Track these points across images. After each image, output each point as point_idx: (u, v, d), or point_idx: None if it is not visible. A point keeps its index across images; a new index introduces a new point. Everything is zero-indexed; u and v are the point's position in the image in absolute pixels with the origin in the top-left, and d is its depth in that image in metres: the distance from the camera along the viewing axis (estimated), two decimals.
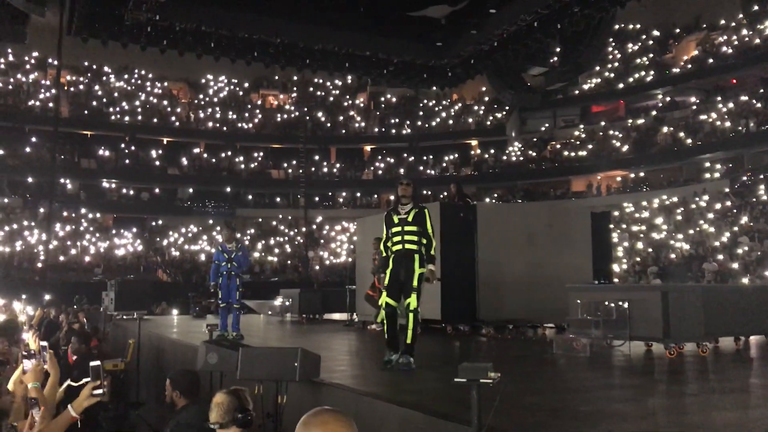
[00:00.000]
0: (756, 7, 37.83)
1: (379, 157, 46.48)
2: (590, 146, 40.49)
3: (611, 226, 16.76)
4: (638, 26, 42.91)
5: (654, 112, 39.77)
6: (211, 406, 3.73)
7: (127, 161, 41.91)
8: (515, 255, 12.24)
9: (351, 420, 2.05)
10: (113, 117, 42.90)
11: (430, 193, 42.57)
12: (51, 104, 37.50)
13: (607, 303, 8.94)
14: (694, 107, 38.19)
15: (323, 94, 50.27)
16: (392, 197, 44.66)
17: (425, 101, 48.49)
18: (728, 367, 8.32)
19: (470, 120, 46.49)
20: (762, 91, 35.14)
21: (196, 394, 5.56)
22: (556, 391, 5.99)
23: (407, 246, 7.14)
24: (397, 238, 7.22)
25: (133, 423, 9.74)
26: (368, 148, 47.67)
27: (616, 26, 39.56)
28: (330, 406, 2.13)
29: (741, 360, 8.89)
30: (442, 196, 15.60)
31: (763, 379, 7.29)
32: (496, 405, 3.65)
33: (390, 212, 7.41)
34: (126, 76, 46.08)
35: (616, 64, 42.52)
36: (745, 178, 31.97)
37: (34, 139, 39.66)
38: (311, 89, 49.94)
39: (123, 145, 42.60)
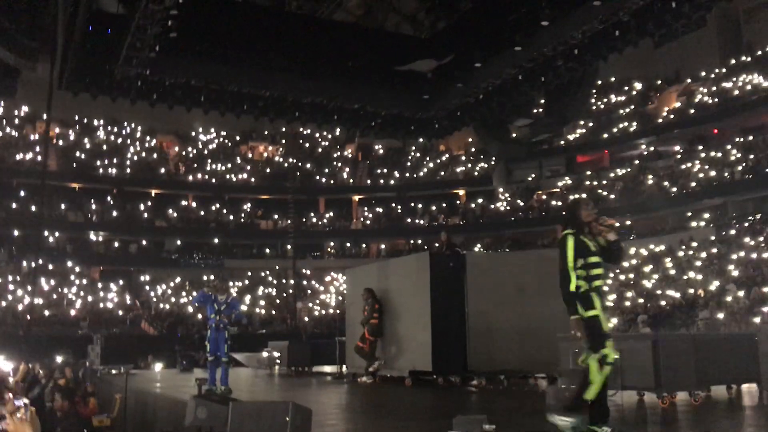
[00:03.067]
0: (733, 61, 38.91)
1: (367, 208, 46.68)
2: (576, 195, 40.89)
3: None
4: (620, 78, 43.92)
5: (637, 162, 40.39)
6: None
7: (114, 214, 41.80)
8: (505, 304, 12.22)
9: None
10: (101, 170, 42.97)
11: (420, 242, 42.70)
12: (39, 158, 37.55)
13: None
14: (678, 156, 38.85)
15: (312, 145, 50.73)
16: (382, 246, 44.68)
17: (413, 152, 49.01)
18: (722, 416, 8.27)
19: (457, 170, 46.95)
20: (742, 140, 35.84)
21: None
22: None
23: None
24: (600, 271, 6.02)
25: None
26: (357, 198, 47.91)
27: (599, 80, 40.55)
28: None
29: (734, 409, 8.84)
30: (437, 245, 15.66)
31: (757, 428, 7.25)
32: None
33: (579, 236, 6.10)
34: (115, 129, 46.35)
35: (600, 115, 43.34)
36: (732, 230, 32.24)
37: (22, 193, 39.55)
38: (300, 141, 50.41)
39: (110, 198, 42.55)
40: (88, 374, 14.98)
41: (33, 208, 37.43)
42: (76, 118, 44.84)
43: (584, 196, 29.77)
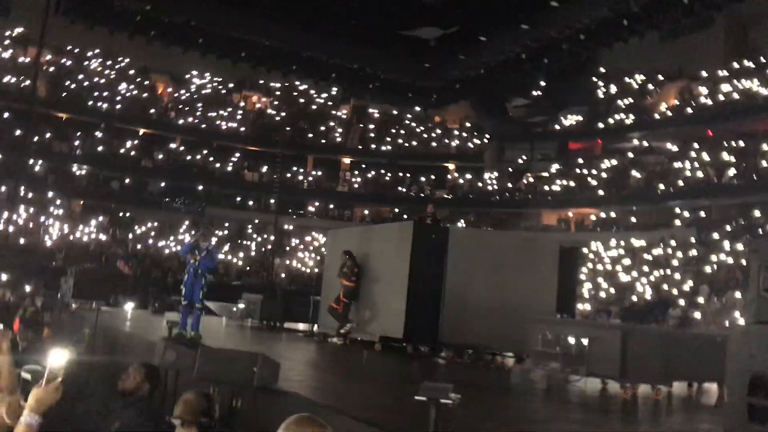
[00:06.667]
0: (736, 65, 38.80)
1: (356, 171, 46.44)
2: (564, 182, 40.98)
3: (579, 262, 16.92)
4: (621, 69, 43.69)
5: (630, 155, 40.45)
6: (178, 402, 3.68)
7: (100, 148, 41.29)
8: (482, 281, 12.28)
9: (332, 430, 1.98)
10: (91, 102, 42.29)
11: (405, 211, 42.65)
12: (28, 82, 36.82)
13: (567, 337, 9.00)
14: (670, 154, 38.92)
15: (306, 101, 50.20)
16: (366, 212, 44.69)
17: (408, 121, 48.66)
18: (680, 411, 8.42)
19: (451, 143, 46.71)
20: (735, 145, 35.91)
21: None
22: (512, 419, 5.99)
23: None
24: None
25: (79, 416, 9.46)
26: (346, 160, 47.65)
27: (601, 69, 40.38)
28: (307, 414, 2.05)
29: (693, 406, 8.99)
30: (421, 215, 15.69)
31: (711, 425, 7.37)
32: (454, 422, 3.63)
33: None
34: (109, 63, 45.49)
35: (597, 104, 43.21)
36: (714, 233, 32.41)
37: (6, 115, 38.86)
38: (295, 95, 49.83)
39: (98, 132, 41.97)
40: (59, 306, 14.92)
41: (18, 132, 36.81)
42: (69, 47, 43.92)
43: None
